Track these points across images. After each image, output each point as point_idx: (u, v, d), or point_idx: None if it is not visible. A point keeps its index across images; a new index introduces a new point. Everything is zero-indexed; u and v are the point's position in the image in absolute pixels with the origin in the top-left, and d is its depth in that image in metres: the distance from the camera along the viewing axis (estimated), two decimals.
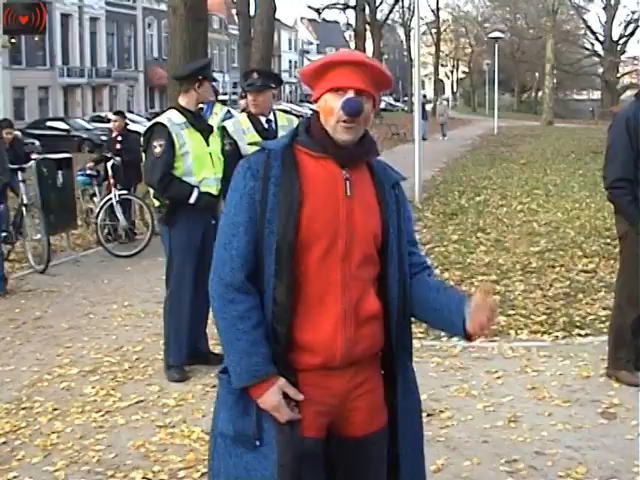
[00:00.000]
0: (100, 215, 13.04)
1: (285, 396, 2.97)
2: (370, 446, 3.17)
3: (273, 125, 7.47)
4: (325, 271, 2.97)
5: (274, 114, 7.54)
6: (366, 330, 3.03)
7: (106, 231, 13.29)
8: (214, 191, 6.98)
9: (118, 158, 13.31)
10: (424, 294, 3.18)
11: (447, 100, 61.45)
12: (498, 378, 6.78)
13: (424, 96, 55.58)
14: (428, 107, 65.82)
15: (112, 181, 13.19)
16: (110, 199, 13.15)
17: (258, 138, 7.33)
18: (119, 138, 13.80)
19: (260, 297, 2.99)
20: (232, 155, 7.20)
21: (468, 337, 3.09)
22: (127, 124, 14.58)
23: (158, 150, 6.75)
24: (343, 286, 2.97)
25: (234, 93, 50.39)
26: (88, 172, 14.03)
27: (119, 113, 14.65)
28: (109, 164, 13.24)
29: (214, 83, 7.67)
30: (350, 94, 2.96)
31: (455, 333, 3.17)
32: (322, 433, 3.10)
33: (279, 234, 2.93)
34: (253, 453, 3.00)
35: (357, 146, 3.05)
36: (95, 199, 14.03)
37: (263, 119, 7.43)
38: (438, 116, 48.18)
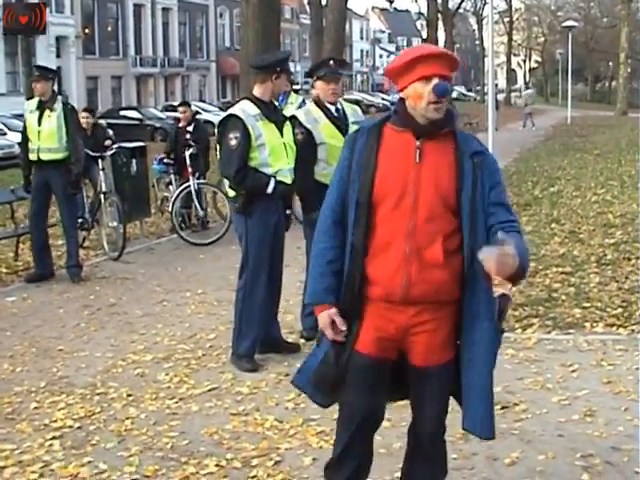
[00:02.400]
0: (176, 203, 13.12)
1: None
2: (429, 376, 3.86)
3: (342, 113, 7.47)
4: (394, 221, 3.69)
5: (340, 103, 7.54)
6: (428, 274, 3.68)
7: (180, 219, 13.37)
8: (289, 181, 6.98)
9: (194, 147, 13.37)
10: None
11: (529, 87, 60.33)
12: (573, 371, 6.69)
13: (496, 86, 55.04)
14: (500, 97, 65.22)
15: (190, 170, 13.26)
16: (187, 187, 13.23)
17: (332, 126, 7.33)
18: (189, 128, 13.86)
19: (343, 240, 3.84)
20: (305, 144, 7.21)
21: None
22: (197, 113, 14.60)
23: (234, 142, 6.74)
24: (408, 234, 3.66)
25: (306, 82, 50.37)
26: (165, 160, 14.09)
27: (185, 104, 14.70)
28: (187, 152, 13.31)
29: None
30: (435, 80, 3.64)
31: None
32: (380, 354, 3.87)
33: (359, 191, 3.75)
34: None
35: (436, 122, 3.71)
36: (171, 187, 14.11)
37: (333, 108, 7.43)
38: (524, 105, 47.35)
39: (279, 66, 6.97)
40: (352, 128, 7.30)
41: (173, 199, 13.24)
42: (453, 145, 3.74)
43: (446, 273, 3.70)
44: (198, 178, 13.34)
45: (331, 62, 7.51)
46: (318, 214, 3.87)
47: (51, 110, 10.12)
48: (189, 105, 14.63)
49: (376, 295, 3.79)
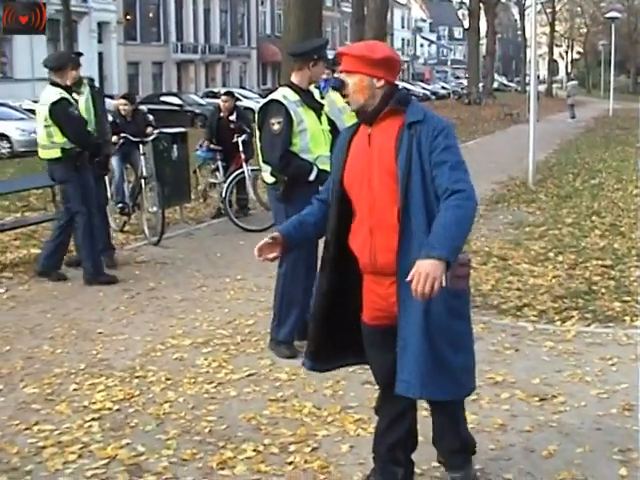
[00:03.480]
0: (229, 189, 13.16)
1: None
2: None
3: None
4: (361, 200, 4.14)
5: None
6: (388, 243, 4.03)
7: (222, 205, 13.39)
8: (327, 167, 6.96)
9: (247, 133, 13.42)
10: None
11: (571, 79, 59.61)
12: (612, 365, 6.65)
13: (537, 77, 54.61)
14: (541, 88, 64.64)
15: (243, 156, 13.30)
16: (241, 173, 13.26)
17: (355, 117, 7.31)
18: (231, 117, 13.88)
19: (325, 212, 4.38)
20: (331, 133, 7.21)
21: None
22: (237, 99, 14.60)
23: (277, 127, 6.73)
24: (370, 209, 4.10)
25: None
26: (212, 147, 14.12)
27: (229, 94, 14.70)
28: (240, 139, 13.34)
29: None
30: (341, 75, 4.17)
31: None
32: (376, 322, 4.23)
33: (334, 180, 4.29)
34: None
35: (373, 108, 4.11)
36: (217, 174, 14.11)
37: None
38: (567, 97, 46.87)
39: (316, 53, 6.95)
40: None
41: (227, 185, 13.22)
42: (401, 123, 4.06)
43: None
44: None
45: None
46: None
47: (78, 94, 10.11)
48: (232, 95, 14.61)
49: (361, 266, 4.21)
